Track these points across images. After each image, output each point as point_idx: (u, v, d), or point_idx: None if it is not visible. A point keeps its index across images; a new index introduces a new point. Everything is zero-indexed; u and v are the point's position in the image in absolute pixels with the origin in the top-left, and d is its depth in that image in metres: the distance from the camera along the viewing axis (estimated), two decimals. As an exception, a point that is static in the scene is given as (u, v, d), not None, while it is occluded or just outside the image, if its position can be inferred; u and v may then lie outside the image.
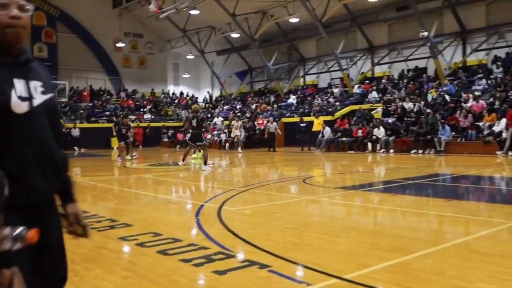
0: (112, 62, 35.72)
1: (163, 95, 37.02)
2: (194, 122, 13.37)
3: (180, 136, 27.24)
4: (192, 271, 3.88)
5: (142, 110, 33.90)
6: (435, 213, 6.47)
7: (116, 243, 4.96)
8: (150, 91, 36.55)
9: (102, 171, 14.55)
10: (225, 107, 33.48)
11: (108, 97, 34.33)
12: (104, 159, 19.80)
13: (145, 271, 3.92)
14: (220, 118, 29.56)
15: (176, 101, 36.81)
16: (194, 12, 28.91)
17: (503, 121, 16.34)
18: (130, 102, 34.37)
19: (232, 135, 24.58)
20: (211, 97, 38.21)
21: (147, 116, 33.02)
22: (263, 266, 3.90)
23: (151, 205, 7.79)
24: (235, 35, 31.92)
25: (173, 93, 37.94)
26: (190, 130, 13.66)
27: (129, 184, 11.38)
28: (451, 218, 6.14)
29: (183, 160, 14.33)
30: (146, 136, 30.16)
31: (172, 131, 30.44)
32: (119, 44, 34.80)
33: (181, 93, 38.04)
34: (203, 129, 13.62)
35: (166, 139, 30.61)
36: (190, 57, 36.40)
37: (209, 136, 25.80)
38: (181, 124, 30.32)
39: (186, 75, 38.72)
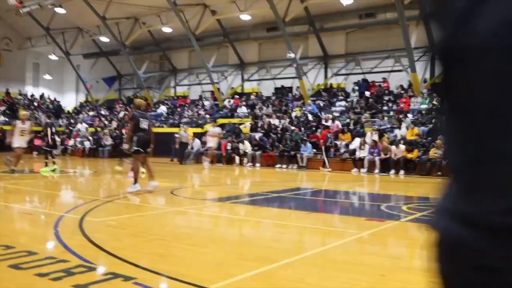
0: (-41, 55, 32.04)
1: (20, 97, 34.09)
2: (144, 124, 9.84)
3: (37, 141, 25.22)
4: (49, 285, 3.60)
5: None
6: (297, 224, 6.84)
7: (-42, 257, 4.42)
8: (4, 91, 33.40)
9: None
10: (91, 113, 31.92)
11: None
12: None
13: (-7, 287, 3.55)
14: (85, 125, 28.08)
15: (35, 103, 34.14)
16: (60, 10, 27.25)
17: (357, 140, 17.95)
18: (-20, 101, 31.08)
19: (209, 144, 20.60)
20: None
21: (1, 118, 30.10)
22: (127, 278, 3.76)
23: (1, 215, 7.09)
24: (104, 39, 30.73)
25: (32, 95, 35.14)
26: (136, 135, 9.70)
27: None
28: (311, 229, 6.54)
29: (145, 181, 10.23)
30: (-1, 140, 27.41)
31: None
32: (-30, 37, 31.37)
33: (42, 96, 35.41)
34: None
35: (21, 144, 28.12)
36: (53, 57, 34.10)
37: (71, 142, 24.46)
38: (40, 128, 28.05)
39: (47, 77, 36.14)
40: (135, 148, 9.68)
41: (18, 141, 13.76)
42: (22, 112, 14.74)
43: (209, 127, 21.15)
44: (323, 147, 18.34)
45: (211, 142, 20.31)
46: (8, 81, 33.62)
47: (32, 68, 36.29)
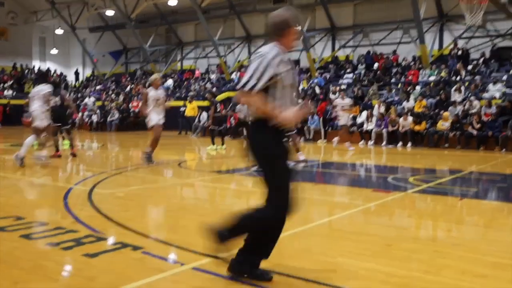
0: (-35, 30, 31.97)
1: (27, 71, 34.11)
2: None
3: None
4: (60, 254, 3.68)
5: (2, 85, 30.92)
6: (303, 196, 6.86)
7: (-29, 228, 4.51)
8: (11, 65, 33.41)
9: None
10: (98, 87, 31.95)
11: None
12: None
13: (6, 256, 3.63)
14: (92, 99, 28.08)
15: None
16: (65, -17, 26.96)
17: (364, 113, 17.86)
18: (-13, 76, 31.15)
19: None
20: (77, 75, 36.19)
21: (8, 92, 30.22)
22: (136, 248, 3.84)
23: (12, 187, 7.19)
24: (110, 12, 30.44)
25: (39, 69, 35.13)
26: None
27: (-14, 166, 10.35)
28: (317, 200, 6.59)
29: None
30: (7, 114, 27.61)
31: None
32: (-25, 11, 31.24)
33: (48, 70, 35.39)
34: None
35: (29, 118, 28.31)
36: (59, 32, 33.92)
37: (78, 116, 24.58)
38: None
39: (54, 51, 36.02)
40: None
41: (156, 116, 9.71)
42: (154, 76, 10.27)
43: (337, 99, 16.37)
44: (320, 119, 18.39)
45: (343, 118, 15.56)
46: (15, 56, 33.60)
47: (38, 42, 36.16)
